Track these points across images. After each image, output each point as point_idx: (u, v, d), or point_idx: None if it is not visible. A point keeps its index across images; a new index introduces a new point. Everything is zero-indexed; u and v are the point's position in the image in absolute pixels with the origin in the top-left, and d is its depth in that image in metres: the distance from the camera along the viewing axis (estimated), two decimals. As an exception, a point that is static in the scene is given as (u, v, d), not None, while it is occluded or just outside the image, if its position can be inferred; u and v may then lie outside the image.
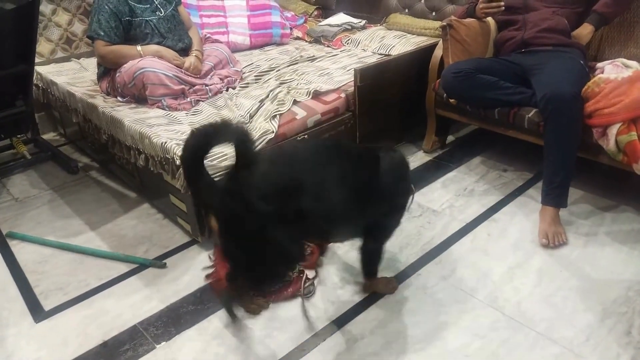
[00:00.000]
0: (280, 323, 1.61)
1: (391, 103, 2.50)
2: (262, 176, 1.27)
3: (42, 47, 3.03)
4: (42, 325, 1.68)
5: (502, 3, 2.24)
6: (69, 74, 2.82)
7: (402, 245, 1.91)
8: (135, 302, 1.74)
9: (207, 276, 1.81)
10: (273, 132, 2.05)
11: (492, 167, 2.42)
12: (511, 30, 2.31)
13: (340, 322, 1.60)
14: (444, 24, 2.29)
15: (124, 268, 1.91)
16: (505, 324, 1.55)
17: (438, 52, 2.40)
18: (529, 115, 2.04)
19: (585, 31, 2.20)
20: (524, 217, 2.04)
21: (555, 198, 1.91)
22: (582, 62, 2.08)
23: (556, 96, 1.85)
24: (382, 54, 2.75)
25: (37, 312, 1.73)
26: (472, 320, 1.57)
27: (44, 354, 1.56)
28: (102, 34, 2.29)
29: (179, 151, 1.84)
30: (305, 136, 2.18)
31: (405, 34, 2.89)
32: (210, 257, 1.91)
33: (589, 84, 1.89)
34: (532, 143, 2.10)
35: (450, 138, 2.71)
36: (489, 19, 2.39)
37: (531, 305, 1.61)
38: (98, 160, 2.76)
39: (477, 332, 1.53)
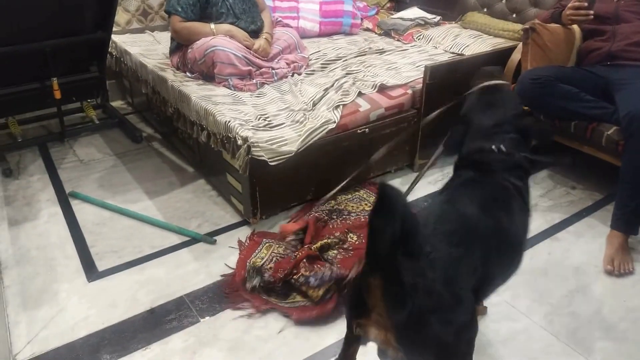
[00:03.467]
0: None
1: (459, 105, 2.40)
2: None
3: (119, 16, 3.11)
4: (95, 285, 1.74)
5: (592, 11, 2.10)
6: (143, 45, 2.90)
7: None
8: (184, 274, 1.77)
9: (225, 279, 1.74)
10: (335, 122, 2.03)
11: (559, 182, 2.30)
12: (597, 41, 2.17)
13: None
14: (527, 26, 2.18)
15: (176, 239, 1.95)
16: (559, 350, 1.47)
17: (516, 56, 2.29)
18: (609, 132, 1.91)
19: (680, 49, 2.04)
20: (590, 239, 1.92)
21: (626, 223, 1.80)
22: (674, 82, 1.93)
23: (642, 115, 1.73)
24: (454, 53, 2.66)
25: (91, 271, 1.80)
26: (525, 341, 1.50)
27: (93, 313, 1.62)
28: (180, 9, 2.33)
29: (241, 131, 1.85)
30: (367, 130, 2.14)
31: (482, 34, 2.78)
32: (227, 265, 1.82)
33: (679, 106, 1.74)
34: (607, 162, 1.98)
35: (516, 147, 2.59)
36: (575, 26, 2.25)
37: (589, 334, 1.52)
38: (161, 132, 2.83)
39: (527, 354, 1.46)
